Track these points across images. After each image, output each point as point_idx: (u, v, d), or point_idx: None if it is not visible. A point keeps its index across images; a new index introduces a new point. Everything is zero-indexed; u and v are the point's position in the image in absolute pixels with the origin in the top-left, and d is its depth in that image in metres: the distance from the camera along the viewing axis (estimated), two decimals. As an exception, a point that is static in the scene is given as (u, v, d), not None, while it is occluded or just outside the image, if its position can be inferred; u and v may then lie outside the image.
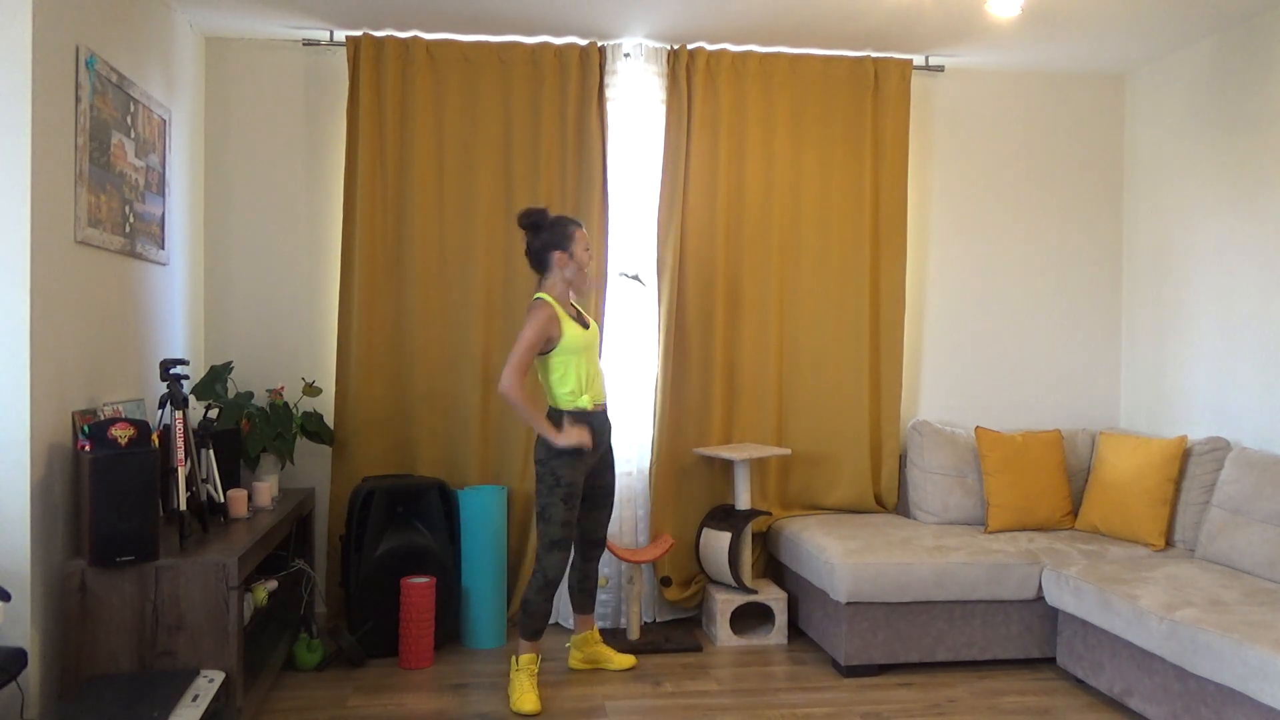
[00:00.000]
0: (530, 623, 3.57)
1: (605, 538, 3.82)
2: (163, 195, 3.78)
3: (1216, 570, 3.58)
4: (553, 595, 3.58)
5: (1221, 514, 3.74)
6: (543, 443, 3.52)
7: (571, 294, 3.66)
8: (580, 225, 3.62)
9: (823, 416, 4.56)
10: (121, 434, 2.87)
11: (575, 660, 3.88)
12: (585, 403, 3.56)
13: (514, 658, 3.58)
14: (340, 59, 4.42)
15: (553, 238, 3.56)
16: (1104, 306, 4.88)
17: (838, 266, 4.54)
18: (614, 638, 4.18)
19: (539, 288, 3.61)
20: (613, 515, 4.37)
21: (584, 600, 3.87)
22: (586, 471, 3.61)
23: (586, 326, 3.63)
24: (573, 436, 3.46)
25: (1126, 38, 4.28)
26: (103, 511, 2.81)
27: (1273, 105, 3.93)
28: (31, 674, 2.79)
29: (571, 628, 4.15)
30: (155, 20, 3.75)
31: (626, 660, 3.87)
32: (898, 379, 4.59)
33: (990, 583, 3.79)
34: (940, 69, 4.65)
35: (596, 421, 3.60)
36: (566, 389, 3.55)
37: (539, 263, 3.60)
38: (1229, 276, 4.16)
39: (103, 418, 3.17)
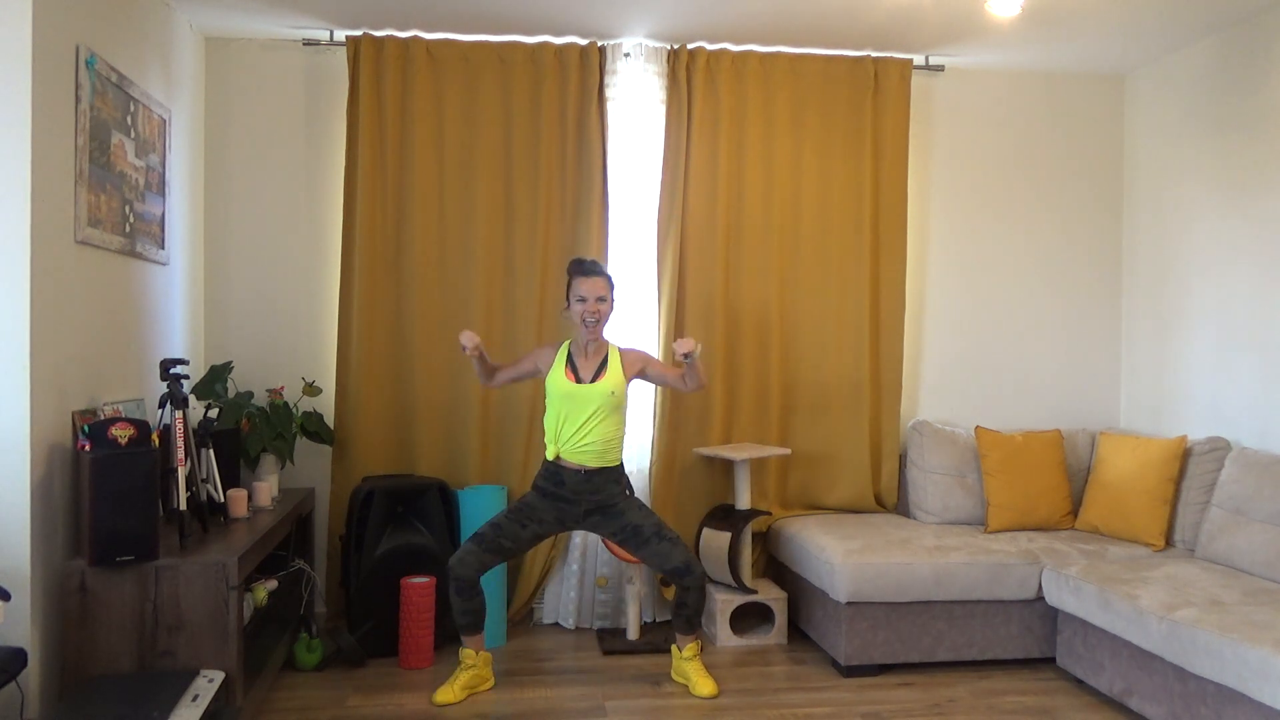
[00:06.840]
0: (457, 618, 3.54)
1: (679, 566, 3.56)
2: (163, 195, 3.78)
3: (1216, 570, 3.58)
4: (461, 590, 3.47)
5: (1221, 514, 3.74)
6: None
7: (588, 345, 3.63)
8: (580, 272, 3.62)
9: (823, 416, 4.55)
10: (121, 434, 2.87)
11: (673, 671, 3.75)
12: (549, 452, 3.61)
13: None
14: (340, 59, 4.42)
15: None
16: (1104, 306, 4.88)
17: (838, 266, 4.54)
18: (613, 637, 4.19)
19: None
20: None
21: (678, 623, 3.68)
22: (560, 514, 3.60)
23: (580, 381, 3.58)
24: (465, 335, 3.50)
25: (1126, 38, 4.28)
26: (103, 511, 2.81)
27: (1273, 106, 3.93)
28: (31, 674, 2.79)
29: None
30: (155, 20, 3.75)
31: (707, 687, 3.59)
32: (898, 379, 4.58)
33: (990, 583, 3.79)
34: (940, 69, 4.65)
35: (568, 478, 3.57)
36: (547, 432, 3.64)
37: None
38: (1228, 276, 4.16)
39: (103, 418, 3.17)
